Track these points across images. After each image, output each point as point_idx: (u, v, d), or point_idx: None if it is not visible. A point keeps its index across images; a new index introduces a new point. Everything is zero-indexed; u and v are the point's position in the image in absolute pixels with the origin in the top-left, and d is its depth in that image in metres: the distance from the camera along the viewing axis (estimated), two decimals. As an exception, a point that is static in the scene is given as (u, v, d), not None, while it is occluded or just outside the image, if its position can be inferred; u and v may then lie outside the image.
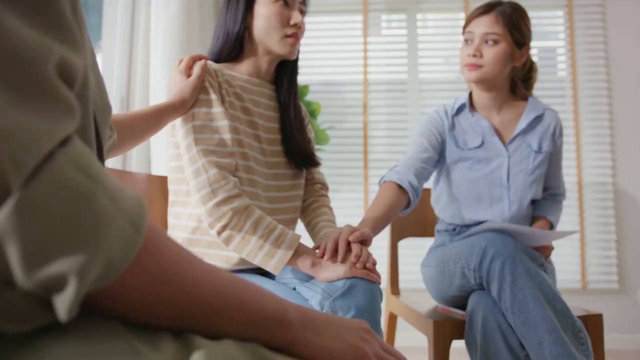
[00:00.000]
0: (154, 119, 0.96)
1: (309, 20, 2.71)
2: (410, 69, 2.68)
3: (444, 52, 2.72)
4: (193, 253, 0.39)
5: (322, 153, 2.58)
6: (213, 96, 1.00)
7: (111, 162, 2.33)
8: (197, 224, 1.03)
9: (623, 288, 2.48)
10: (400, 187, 1.21)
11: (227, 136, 0.99)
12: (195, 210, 1.03)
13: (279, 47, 1.07)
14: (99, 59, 2.37)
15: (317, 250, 0.96)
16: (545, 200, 1.42)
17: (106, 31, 2.30)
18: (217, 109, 1.00)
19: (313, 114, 2.36)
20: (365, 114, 2.65)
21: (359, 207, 2.59)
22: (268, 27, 1.06)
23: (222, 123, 0.99)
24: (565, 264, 2.48)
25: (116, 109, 2.40)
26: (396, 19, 2.78)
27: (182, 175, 1.05)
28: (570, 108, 2.60)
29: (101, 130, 0.46)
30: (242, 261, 1.01)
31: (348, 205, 2.58)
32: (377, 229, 1.10)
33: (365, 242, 0.98)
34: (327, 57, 2.72)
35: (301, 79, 2.65)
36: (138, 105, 2.22)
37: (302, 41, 2.87)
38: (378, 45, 2.71)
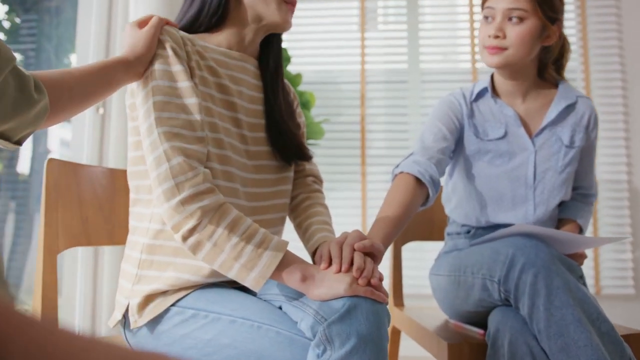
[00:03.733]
0: (101, 76, 0.76)
1: (303, 7, 2.53)
2: (410, 59, 2.49)
3: (447, 40, 2.54)
4: (86, 339, 0.21)
5: (317, 148, 2.39)
6: (178, 67, 0.81)
7: (86, 157, 2.13)
8: (160, 226, 0.84)
9: (640, 294, 2.31)
10: (419, 181, 1.03)
11: (196, 117, 0.79)
12: (158, 209, 0.84)
13: (275, 14, 0.89)
14: (74, 58, 2.22)
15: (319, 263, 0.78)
16: (574, 200, 1.23)
17: (81, 25, 2.16)
18: (183, 84, 0.80)
19: (307, 105, 2.18)
20: (362, 106, 2.47)
21: (356, 206, 2.41)
22: None
23: (190, 101, 0.80)
24: (578, 268, 2.30)
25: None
26: (395, 5, 2.59)
27: (144, 167, 0.86)
28: (583, 100, 2.42)
29: None
30: (216, 272, 0.82)
31: (344, 205, 2.40)
32: (392, 236, 0.92)
33: (374, 256, 0.79)
34: (322, 46, 2.53)
35: (294, 68, 2.48)
36: (116, 100, 2.04)
37: (296, 29, 2.66)
38: (376, 34, 2.53)
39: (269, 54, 0.97)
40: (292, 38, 2.53)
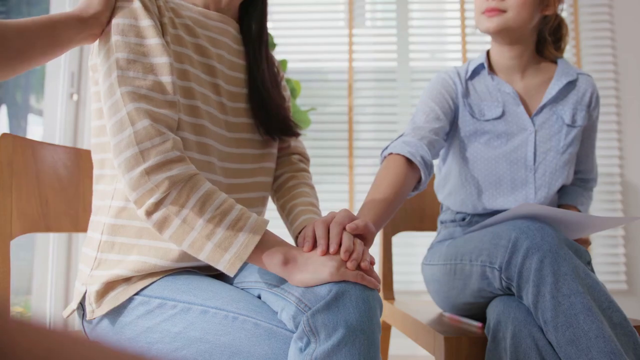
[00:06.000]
0: (46, 31, 0.65)
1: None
2: (400, 57, 2.42)
3: (436, 38, 2.47)
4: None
5: (303, 138, 2.30)
6: (147, 22, 0.71)
7: (58, 137, 2.01)
8: (123, 203, 0.74)
9: (632, 289, 2.26)
10: (410, 162, 0.95)
11: (166, 79, 0.70)
12: (121, 185, 0.74)
13: None
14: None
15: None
16: (574, 186, 1.17)
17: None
18: (153, 40, 0.71)
19: (292, 93, 2.09)
20: (350, 96, 2.39)
21: (343, 200, 2.32)
22: None
23: (160, 60, 0.71)
24: (570, 263, 2.24)
25: (66, 85, 2.09)
26: (384, 1, 2.50)
27: (108, 138, 0.76)
28: (575, 92, 2.38)
29: None
30: (186, 256, 0.73)
31: (330, 198, 2.31)
32: (383, 219, 0.84)
33: (364, 238, 0.71)
34: (309, 34, 2.44)
35: (278, 57, 2.39)
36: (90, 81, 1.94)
37: (280, 16, 2.55)
38: (365, 30, 2.45)
39: (252, 17, 0.88)
40: (277, 26, 2.44)
